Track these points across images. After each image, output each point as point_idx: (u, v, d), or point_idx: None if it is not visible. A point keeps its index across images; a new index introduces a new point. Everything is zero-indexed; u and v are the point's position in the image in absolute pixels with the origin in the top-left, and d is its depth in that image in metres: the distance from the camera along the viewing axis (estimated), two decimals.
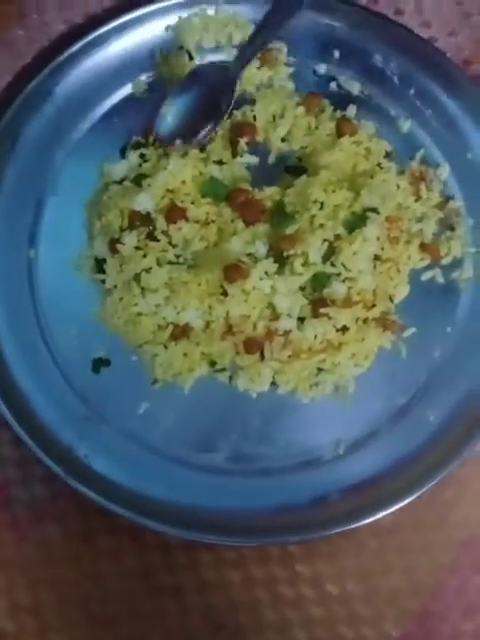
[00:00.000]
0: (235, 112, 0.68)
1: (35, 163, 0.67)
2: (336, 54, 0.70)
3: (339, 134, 0.67)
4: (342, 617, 0.59)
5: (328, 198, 0.63)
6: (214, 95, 0.66)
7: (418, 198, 0.67)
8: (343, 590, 0.59)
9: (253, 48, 0.68)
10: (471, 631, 0.59)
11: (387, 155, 0.68)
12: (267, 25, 0.68)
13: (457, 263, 0.66)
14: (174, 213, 0.63)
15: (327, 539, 0.60)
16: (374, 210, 0.63)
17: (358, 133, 0.68)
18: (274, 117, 0.68)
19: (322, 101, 0.68)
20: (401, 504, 0.59)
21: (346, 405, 0.63)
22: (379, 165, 0.67)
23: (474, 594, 0.60)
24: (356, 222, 0.62)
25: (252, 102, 0.69)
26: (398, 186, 0.66)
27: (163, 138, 0.65)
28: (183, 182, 0.65)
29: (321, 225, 0.62)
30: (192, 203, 0.64)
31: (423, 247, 0.66)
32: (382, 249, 0.64)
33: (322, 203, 0.63)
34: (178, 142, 0.65)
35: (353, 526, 0.59)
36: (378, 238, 0.63)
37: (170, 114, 0.66)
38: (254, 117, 0.67)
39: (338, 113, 0.69)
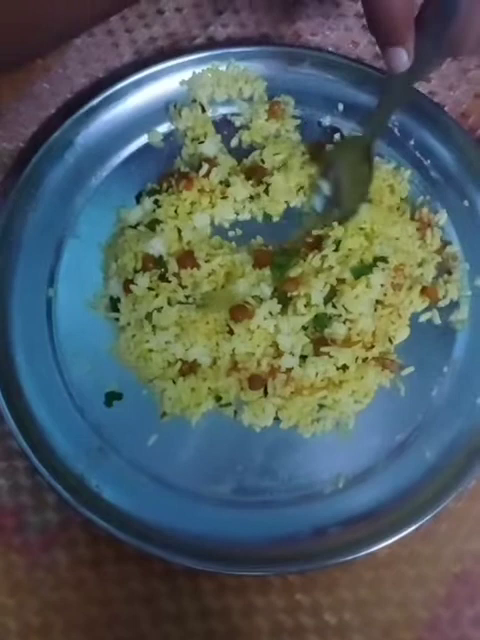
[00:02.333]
0: (245, 160, 0.72)
1: (56, 207, 0.71)
2: (340, 107, 0.74)
3: None
4: None
5: (345, 241, 0.66)
6: (356, 165, 0.69)
7: (421, 244, 0.70)
8: (340, 620, 0.61)
9: (384, 116, 0.68)
10: None
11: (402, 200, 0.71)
12: (391, 93, 0.66)
13: (454, 305, 0.69)
14: (186, 260, 0.67)
15: (326, 570, 0.62)
16: (384, 259, 0.66)
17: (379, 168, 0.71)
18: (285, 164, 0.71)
19: (325, 149, 0.72)
20: (397, 537, 0.61)
21: (346, 441, 0.65)
22: (398, 208, 0.70)
23: (468, 627, 0.61)
24: (363, 270, 0.65)
25: (262, 147, 0.72)
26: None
27: (325, 213, 0.69)
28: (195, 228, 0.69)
29: (330, 267, 0.65)
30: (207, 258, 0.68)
31: (422, 290, 0.68)
32: (385, 295, 0.66)
33: (339, 243, 0.66)
34: (336, 211, 0.68)
35: (351, 557, 0.61)
36: (382, 285, 0.66)
37: (325, 191, 0.70)
38: (262, 161, 0.71)
39: None
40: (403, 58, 0.59)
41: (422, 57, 0.60)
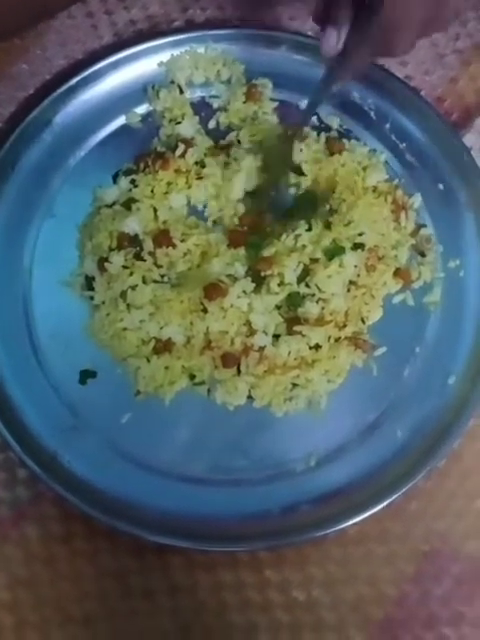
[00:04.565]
0: (222, 141, 0.73)
1: (33, 187, 0.71)
2: None
3: (331, 152, 0.71)
4: (307, 623, 0.60)
5: (317, 220, 0.67)
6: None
7: (396, 226, 0.70)
8: (309, 596, 0.61)
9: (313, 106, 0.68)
10: None
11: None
12: (324, 85, 0.65)
13: (427, 287, 0.69)
14: (161, 239, 0.67)
15: (295, 547, 0.62)
16: (360, 246, 0.66)
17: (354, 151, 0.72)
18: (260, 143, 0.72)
19: (302, 130, 0.71)
20: (367, 514, 0.61)
21: (318, 419, 0.65)
22: (373, 190, 0.70)
23: (435, 605, 0.61)
24: (336, 251, 0.66)
25: (239, 129, 0.73)
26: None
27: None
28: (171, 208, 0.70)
29: (303, 246, 0.66)
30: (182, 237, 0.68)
31: (396, 272, 0.69)
32: (358, 276, 0.67)
33: (310, 223, 0.67)
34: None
35: (321, 534, 0.61)
36: (355, 266, 0.66)
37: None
38: (239, 142, 0.72)
39: (322, 135, 0.73)
40: (333, 40, 0.58)
41: (348, 51, 0.59)
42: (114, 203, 0.70)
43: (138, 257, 0.67)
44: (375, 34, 0.56)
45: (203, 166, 0.70)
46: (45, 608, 0.61)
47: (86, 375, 0.66)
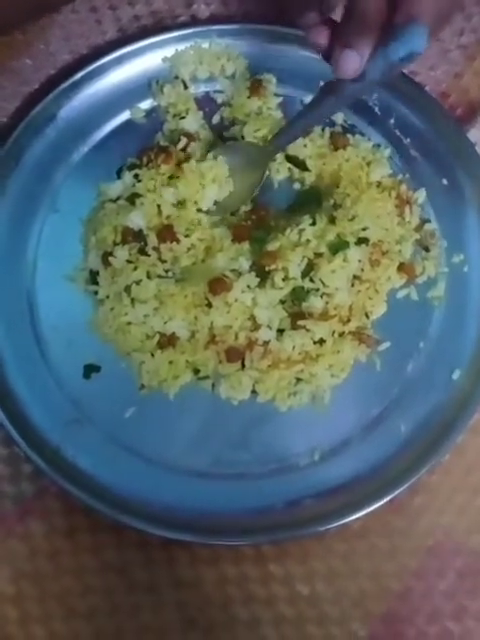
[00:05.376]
0: (225, 133, 0.73)
1: (37, 181, 0.71)
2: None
3: (335, 147, 0.72)
4: (311, 616, 0.60)
5: (321, 215, 0.67)
6: (248, 169, 0.70)
7: (400, 221, 0.70)
8: (313, 590, 0.61)
9: (297, 129, 0.67)
10: (435, 634, 0.60)
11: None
12: (314, 108, 0.64)
13: (431, 282, 0.69)
14: (166, 234, 0.67)
15: (299, 541, 0.62)
16: (365, 240, 0.66)
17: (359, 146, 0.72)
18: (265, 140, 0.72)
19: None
20: (371, 508, 0.61)
21: (322, 414, 0.66)
22: (378, 185, 0.70)
23: (439, 599, 0.61)
24: (340, 245, 0.66)
25: (243, 124, 0.73)
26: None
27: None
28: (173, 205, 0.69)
29: (308, 241, 0.66)
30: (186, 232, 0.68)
31: (400, 267, 0.69)
32: (362, 270, 0.67)
33: (314, 218, 0.67)
34: (214, 208, 0.70)
35: (324, 528, 0.61)
36: (359, 260, 0.66)
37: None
38: (242, 136, 0.72)
39: (327, 130, 0.73)
40: (355, 63, 0.53)
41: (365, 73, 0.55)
42: (118, 198, 0.70)
43: (142, 252, 0.67)
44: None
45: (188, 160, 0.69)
46: (49, 602, 0.61)
47: (90, 369, 0.66)
